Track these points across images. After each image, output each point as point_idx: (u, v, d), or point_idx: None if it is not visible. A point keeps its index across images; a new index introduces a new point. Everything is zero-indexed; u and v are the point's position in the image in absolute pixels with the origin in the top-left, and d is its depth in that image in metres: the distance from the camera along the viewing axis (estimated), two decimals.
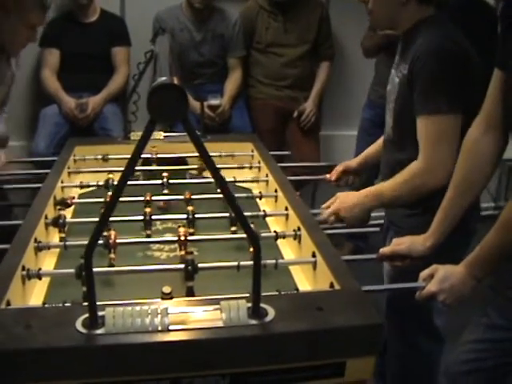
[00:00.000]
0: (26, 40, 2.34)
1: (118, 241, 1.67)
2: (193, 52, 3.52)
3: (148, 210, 1.89)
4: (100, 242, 1.67)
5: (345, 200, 1.89)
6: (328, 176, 2.31)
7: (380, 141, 2.16)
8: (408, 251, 1.64)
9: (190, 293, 1.49)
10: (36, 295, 1.56)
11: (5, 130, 2.61)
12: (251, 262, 1.22)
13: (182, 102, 1.06)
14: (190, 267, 1.48)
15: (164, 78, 1.08)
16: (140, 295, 1.41)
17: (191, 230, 1.84)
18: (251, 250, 1.24)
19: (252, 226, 1.32)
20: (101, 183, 2.16)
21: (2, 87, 2.46)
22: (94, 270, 1.20)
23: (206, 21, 3.52)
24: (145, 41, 3.18)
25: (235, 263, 1.53)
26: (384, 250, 1.67)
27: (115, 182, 2.13)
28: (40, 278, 1.56)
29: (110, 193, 2.10)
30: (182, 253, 1.68)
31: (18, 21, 2.26)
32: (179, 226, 1.75)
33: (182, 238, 1.69)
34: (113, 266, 1.63)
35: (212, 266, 1.55)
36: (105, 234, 1.65)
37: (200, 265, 1.50)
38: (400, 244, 1.67)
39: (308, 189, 3.47)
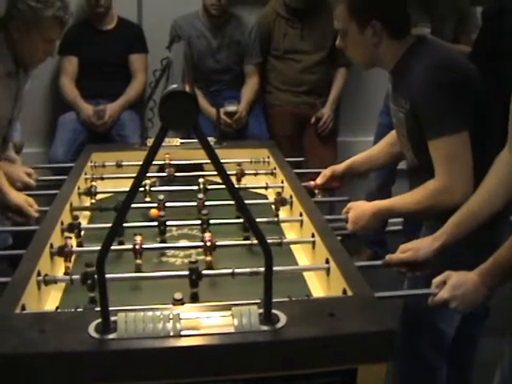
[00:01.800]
0: (44, 54, 2.38)
1: (143, 246, 1.69)
2: (209, 59, 3.54)
3: (162, 214, 1.90)
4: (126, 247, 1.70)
5: (357, 213, 1.89)
6: (312, 183, 2.25)
7: (369, 151, 2.21)
8: (413, 258, 1.64)
9: (194, 299, 1.51)
10: (51, 300, 1.58)
11: (19, 137, 2.64)
12: (262, 269, 1.22)
13: (192, 109, 1.07)
14: (194, 275, 1.49)
15: (175, 86, 1.09)
16: (152, 301, 1.42)
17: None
18: None
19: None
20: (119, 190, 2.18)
21: (18, 100, 2.49)
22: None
23: (223, 28, 3.54)
24: (162, 48, 3.22)
25: (243, 270, 1.54)
26: (391, 258, 1.67)
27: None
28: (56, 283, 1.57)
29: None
30: (208, 258, 1.69)
31: (38, 36, 2.29)
32: (204, 231, 1.75)
33: (208, 244, 1.70)
34: (139, 271, 1.66)
35: (216, 273, 1.58)
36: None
37: (204, 272, 1.53)
38: (406, 250, 1.67)
39: (324, 195, 3.48)
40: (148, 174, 2.28)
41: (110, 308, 1.22)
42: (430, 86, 1.72)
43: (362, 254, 3.67)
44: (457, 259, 1.63)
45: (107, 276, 1.50)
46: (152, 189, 2.19)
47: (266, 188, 2.31)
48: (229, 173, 2.22)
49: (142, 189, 2.17)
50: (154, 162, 2.32)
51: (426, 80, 1.73)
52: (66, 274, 1.67)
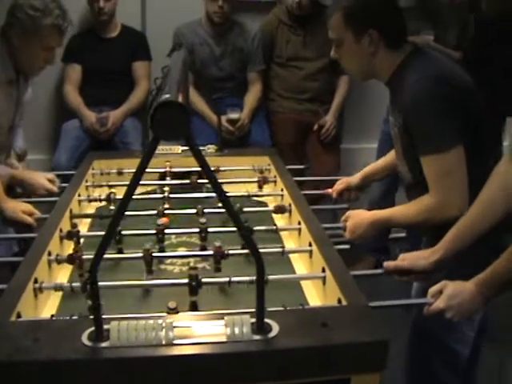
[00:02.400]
0: (44, 62, 2.40)
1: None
2: (213, 66, 3.55)
3: (160, 222, 1.90)
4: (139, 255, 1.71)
5: (355, 222, 1.89)
6: (330, 190, 2.31)
7: (383, 159, 2.18)
8: (410, 267, 1.63)
9: (193, 307, 1.50)
10: (49, 307, 1.58)
11: (23, 144, 2.66)
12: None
13: (184, 120, 1.07)
14: (193, 282, 1.49)
15: (167, 96, 1.09)
16: (148, 309, 1.43)
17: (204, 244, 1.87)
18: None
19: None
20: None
21: (19, 107, 2.51)
22: (103, 283, 1.22)
23: (226, 35, 3.55)
24: (165, 55, 3.23)
25: (242, 278, 1.54)
26: (389, 265, 1.66)
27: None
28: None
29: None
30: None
31: (37, 44, 2.31)
32: (203, 240, 1.75)
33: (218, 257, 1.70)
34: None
35: (216, 281, 1.56)
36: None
37: (204, 279, 1.52)
38: (404, 259, 1.66)
39: (327, 202, 3.48)
40: (171, 182, 2.34)
41: (104, 316, 1.23)
42: (422, 101, 1.69)
43: (365, 261, 3.65)
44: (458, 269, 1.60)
45: (106, 283, 1.53)
46: (171, 195, 2.20)
47: (270, 196, 2.33)
48: (250, 180, 2.32)
49: (160, 195, 2.20)
50: (157, 170, 2.40)
51: (417, 95, 1.69)
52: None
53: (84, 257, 1.70)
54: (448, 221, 1.67)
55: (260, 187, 2.37)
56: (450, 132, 1.69)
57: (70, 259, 1.71)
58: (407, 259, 1.66)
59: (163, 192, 2.24)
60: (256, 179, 2.40)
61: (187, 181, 2.38)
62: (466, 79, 1.78)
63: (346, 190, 2.28)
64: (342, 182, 2.29)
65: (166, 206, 2.15)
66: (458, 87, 1.71)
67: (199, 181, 2.34)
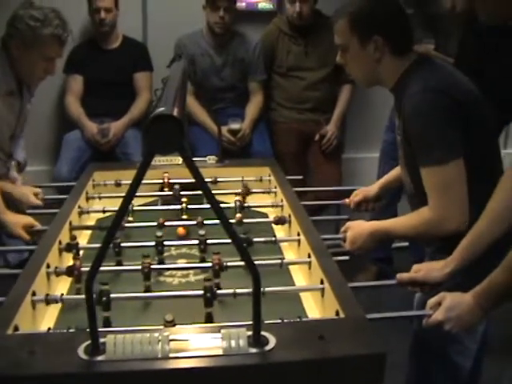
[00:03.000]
0: (44, 73, 2.40)
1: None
2: (214, 77, 3.56)
3: (159, 234, 1.90)
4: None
5: (355, 233, 1.88)
6: (347, 200, 2.30)
7: (397, 169, 2.14)
8: (424, 279, 1.62)
9: (209, 319, 1.50)
10: (47, 320, 1.58)
11: (24, 155, 2.66)
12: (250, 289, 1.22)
13: (178, 133, 1.07)
14: (208, 294, 1.48)
15: (161, 109, 1.09)
16: (147, 321, 1.42)
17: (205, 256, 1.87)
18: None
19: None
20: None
21: (22, 118, 2.52)
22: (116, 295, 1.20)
23: (227, 45, 3.56)
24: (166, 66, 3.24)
25: (240, 290, 1.53)
26: (402, 277, 1.65)
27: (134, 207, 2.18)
28: (57, 302, 1.57)
29: (130, 218, 2.14)
30: (217, 281, 1.68)
31: (37, 55, 2.33)
32: (214, 254, 1.73)
33: (217, 268, 1.69)
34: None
35: (229, 292, 1.55)
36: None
37: (219, 291, 1.52)
38: (418, 271, 1.65)
39: (330, 212, 3.47)
40: (188, 193, 2.31)
41: (100, 329, 1.23)
42: (422, 111, 1.68)
43: (368, 270, 3.64)
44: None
45: (113, 295, 1.53)
46: (189, 206, 2.20)
47: (270, 207, 2.32)
48: (234, 191, 2.31)
49: (179, 207, 2.20)
50: (157, 181, 2.40)
51: (418, 104, 1.68)
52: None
53: (83, 269, 1.69)
54: (447, 235, 1.66)
55: (243, 198, 2.32)
56: (450, 144, 1.68)
57: (69, 271, 1.71)
58: (421, 271, 1.65)
59: (181, 203, 2.22)
60: (240, 191, 2.36)
61: (170, 192, 2.37)
62: (469, 89, 1.76)
63: (363, 201, 2.26)
64: (359, 193, 2.27)
65: (184, 216, 2.16)
66: (459, 99, 1.69)
67: (182, 192, 2.31)
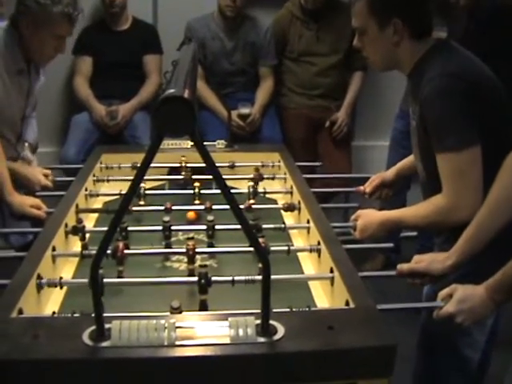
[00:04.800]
0: (53, 51, 2.38)
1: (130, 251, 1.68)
2: (224, 60, 3.51)
3: (166, 219, 1.87)
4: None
5: (365, 222, 1.86)
6: (362, 188, 2.26)
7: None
8: (426, 270, 1.59)
9: (203, 306, 1.46)
10: (52, 304, 1.56)
11: (35, 136, 2.63)
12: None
13: (189, 116, 1.04)
14: (203, 280, 1.45)
15: (172, 90, 1.06)
16: (152, 307, 1.40)
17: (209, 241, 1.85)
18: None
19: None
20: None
21: (31, 98, 2.49)
22: (107, 280, 1.19)
23: (238, 29, 3.51)
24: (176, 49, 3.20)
25: (250, 277, 1.50)
26: (402, 268, 1.62)
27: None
28: (56, 286, 1.55)
29: (141, 201, 2.12)
30: (191, 267, 1.67)
31: (47, 33, 2.29)
32: (188, 239, 1.72)
33: (191, 253, 1.67)
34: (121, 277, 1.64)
35: (226, 279, 1.51)
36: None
37: (214, 278, 1.48)
38: (419, 262, 1.62)
39: (338, 200, 3.44)
40: (168, 177, 2.33)
41: (106, 314, 1.20)
42: (440, 95, 1.65)
43: (376, 259, 3.63)
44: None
45: (114, 280, 1.51)
46: (202, 192, 2.18)
47: (279, 193, 2.29)
48: (247, 177, 2.28)
49: (191, 191, 2.18)
50: (169, 165, 2.38)
51: (436, 89, 1.65)
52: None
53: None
54: (459, 223, 1.63)
55: (256, 184, 2.29)
56: (466, 130, 1.65)
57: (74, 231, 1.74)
58: (422, 262, 1.62)
59: (193, 188, 2.19)
60: (252, 176, 2.33)
61: (180, 176, 2.35)
62: (488, 75, 1.74)
63: (379, 187, 2.22)
64: (376, 178, 2.22)
65: (197, 202, 2.14)
66: (477, 84, 1.67)
67: (193, 176, 2.29)
